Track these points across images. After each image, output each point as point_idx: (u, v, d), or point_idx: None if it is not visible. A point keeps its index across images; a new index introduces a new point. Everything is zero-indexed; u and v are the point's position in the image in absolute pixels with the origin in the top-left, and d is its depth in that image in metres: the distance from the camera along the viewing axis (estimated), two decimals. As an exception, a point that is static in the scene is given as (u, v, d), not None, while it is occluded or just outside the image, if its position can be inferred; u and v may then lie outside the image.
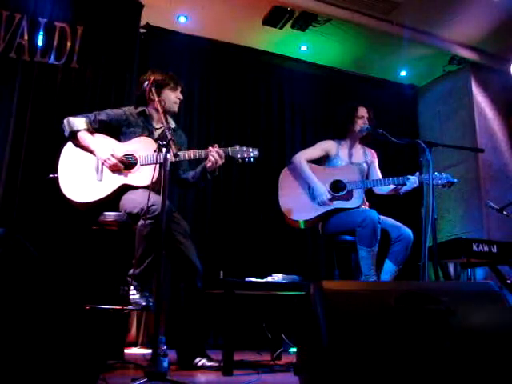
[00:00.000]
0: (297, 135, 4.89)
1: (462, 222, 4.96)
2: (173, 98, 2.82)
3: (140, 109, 2.84)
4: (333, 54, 4.93)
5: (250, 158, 2.69)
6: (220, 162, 2.65)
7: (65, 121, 2.71)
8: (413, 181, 3.02)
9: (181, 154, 2.60)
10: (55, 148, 2.76)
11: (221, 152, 2.66)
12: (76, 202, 2.62)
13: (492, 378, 1.22)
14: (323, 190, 3.11)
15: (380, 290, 1.39)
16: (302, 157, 3.26)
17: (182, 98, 2.88)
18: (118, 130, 2.78)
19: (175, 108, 2.86)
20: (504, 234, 4.56)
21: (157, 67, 2.93)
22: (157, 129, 2.84)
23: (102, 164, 2.65)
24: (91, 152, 2.67)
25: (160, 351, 1.82)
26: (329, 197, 3.09)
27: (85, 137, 2.68)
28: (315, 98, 5.05)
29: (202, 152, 2.67)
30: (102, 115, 2.76)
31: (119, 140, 2.76)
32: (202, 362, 2.49)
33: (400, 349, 1.24)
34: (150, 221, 2.39)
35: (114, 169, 2.64)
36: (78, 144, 2.70)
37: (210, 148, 2.66)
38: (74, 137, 2.69)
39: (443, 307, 1.31)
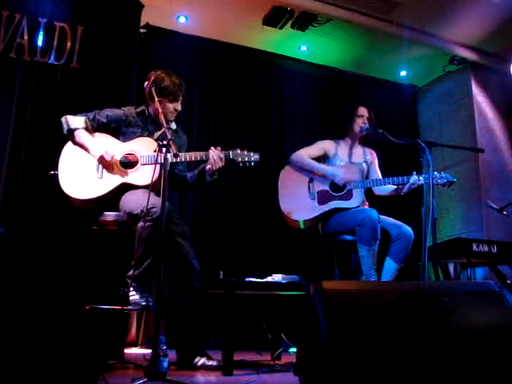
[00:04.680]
0: (297, 135, 4.88)
1: (462, 222, 4.96)
2: (170, 108, 2.78)
3: (140, 109, 2.83)
4: (333, 54, 4.93)
5: (250, 162, 2.70)
6: (220, 164, 2.63)
7: (63, 119, 2.73)
8: (412, 181, 3.02)
9: (181, 154, 2.60)
10: (55, 148, 2.76)
11: (221, 154, 2.64)
12: (75, 199, 2.62)
13: (492, 377, 1.22)
14: (337, 171, 3.12)
15: (380, 290, 1.39)
16: (302, 153, 3.26)
17: (179, 109, 2.83)
18: (117, 131, 2.78)
19: (170, 117, 2.80)
20: (504, 234, 4.55)
21: (156, 67, 2.91)
22: (156, 130, 2.82)
23: (98, 161, 2.65)
24: (86, 150, 2.68)
25: (160, 351, 1.82)
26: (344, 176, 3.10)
27: (81, 135, 2.69)
28: (315, 98, 5.05)
29: (203, 154, 2.66)
30: (102, 116, 2.76)
31: (119, 140, 2.76)
32: (202, 361, 2.48)
33: (400, 349, 1.24)
34: (149, 223, 2.37)
35: (108, 165, 2.64)
36: (74, 142, 2.71)
37: (211, 150, 2.65)
38: (71, 134, 2.71)
39: (443, 307, 1.31)
